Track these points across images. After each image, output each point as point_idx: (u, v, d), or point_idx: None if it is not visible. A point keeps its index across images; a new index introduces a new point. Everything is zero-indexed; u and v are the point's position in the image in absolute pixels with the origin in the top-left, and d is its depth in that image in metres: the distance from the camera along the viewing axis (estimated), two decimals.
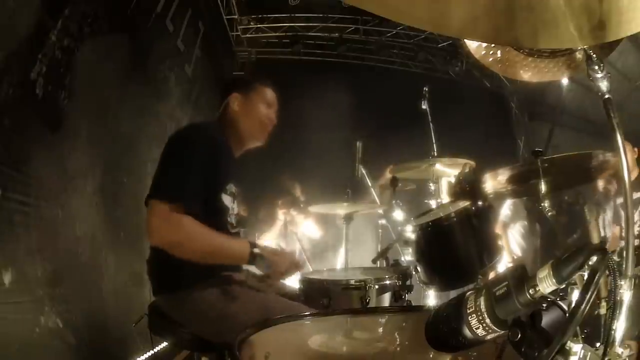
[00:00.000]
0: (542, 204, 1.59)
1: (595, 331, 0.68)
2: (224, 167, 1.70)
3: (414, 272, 1.81)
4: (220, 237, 1.60)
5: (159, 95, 4.40)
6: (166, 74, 4.52)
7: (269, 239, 4.35)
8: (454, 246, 1.69)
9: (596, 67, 0.80)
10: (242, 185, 1.89)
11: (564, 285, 0.65)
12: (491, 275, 1.62)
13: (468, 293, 0.71)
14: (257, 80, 1.95)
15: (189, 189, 1.54)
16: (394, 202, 3.24)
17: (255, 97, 1.88)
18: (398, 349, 1.12)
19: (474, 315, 0.67)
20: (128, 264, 3.40)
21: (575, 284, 0.70)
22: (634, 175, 3.44)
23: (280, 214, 4.35)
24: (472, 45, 1.05)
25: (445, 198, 2.93)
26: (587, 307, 0.61)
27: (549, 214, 1.55)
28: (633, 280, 0.70)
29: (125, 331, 2.94)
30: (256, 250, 1.60)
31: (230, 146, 1.82)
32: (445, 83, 6.77)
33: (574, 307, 0.63)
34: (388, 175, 4.54)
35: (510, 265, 1.37)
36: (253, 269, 1.69)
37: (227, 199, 1.71)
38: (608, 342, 0.65)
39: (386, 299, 1.80)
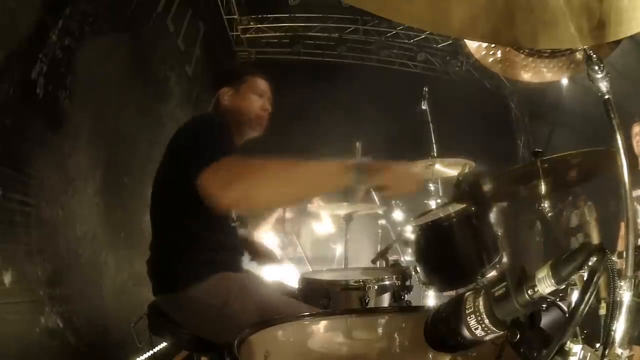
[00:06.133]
0: (542, 204, 1.59)
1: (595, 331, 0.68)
2: (233, 149, 1.62)
3: (413, 273, 1.81)
4: (292, 161, 1.32)
5: (160, 95, 4.40)
6: (167, 74, 4.52)
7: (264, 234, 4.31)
8: (454, 247, 1.69)
9: (596, 67, 0.80)
10: None
11: (563, 286, 0.65)
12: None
13: (467, 293, 0.71)
14: (246, 72, 1.91)
15: (225, 147, 1.43)
16: (393, 202, 3.24)
17: (245, 89, 1.84)
18: (398, 349, 1.11)
19: (473, 315, 0.67)
20: (128, 264, 3.41)
21: (575, 284, 0.69)
22: None
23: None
24: (472, 45, 1.06)
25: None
26: (587, 308, 0.61)
27: (549, 214, 1.55)
28: (633, 280, 0.70)
29: (125, 331, 2.94)
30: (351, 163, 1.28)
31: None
32: (445, 83, 6.77)
33: (573, 307, 0.63)
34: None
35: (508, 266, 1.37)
36: (252, 268, 1.68)
37: None
38: (607, 343, 0.65)
39: (386, 299, 1.79)
